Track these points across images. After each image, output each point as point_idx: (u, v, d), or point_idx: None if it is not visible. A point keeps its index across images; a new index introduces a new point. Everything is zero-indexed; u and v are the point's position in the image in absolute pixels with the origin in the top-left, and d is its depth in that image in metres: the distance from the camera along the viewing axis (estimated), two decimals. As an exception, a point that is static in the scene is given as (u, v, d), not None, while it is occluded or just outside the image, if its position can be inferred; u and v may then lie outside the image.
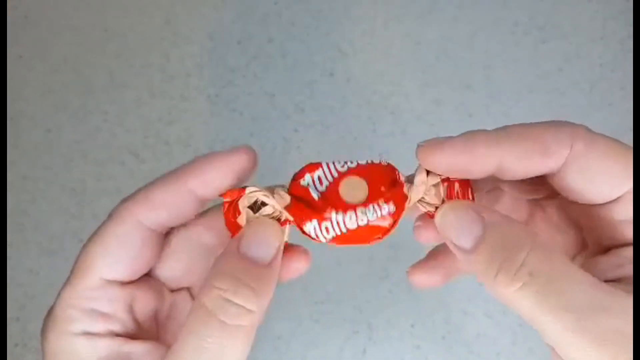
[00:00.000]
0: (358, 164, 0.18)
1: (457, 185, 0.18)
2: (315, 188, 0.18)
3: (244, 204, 0.18)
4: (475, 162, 0.16)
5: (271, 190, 0.19)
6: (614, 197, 0.15)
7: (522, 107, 0.75)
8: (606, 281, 0.15)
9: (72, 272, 0.18)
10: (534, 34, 0.80)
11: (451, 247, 0.16)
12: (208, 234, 0.20)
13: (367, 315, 0.63)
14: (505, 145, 0.15)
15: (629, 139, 0.73)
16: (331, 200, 0.18)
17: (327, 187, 0.18)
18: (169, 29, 0.80)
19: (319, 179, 0.18)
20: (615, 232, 0.15)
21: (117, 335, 0.18)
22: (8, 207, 0.68)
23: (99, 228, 0.18)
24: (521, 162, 0.15)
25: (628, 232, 0.15)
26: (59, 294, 0.18)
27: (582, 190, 0.15)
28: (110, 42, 0.79)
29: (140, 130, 0.73)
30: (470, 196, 0.17)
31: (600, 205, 0.16)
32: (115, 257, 0.17)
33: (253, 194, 0.18)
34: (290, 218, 0.18)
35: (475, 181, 0.18)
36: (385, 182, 0.18)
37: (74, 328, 0.17)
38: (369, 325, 0.64)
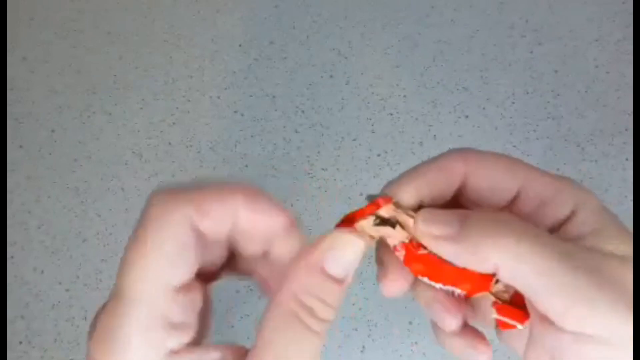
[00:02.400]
0: None
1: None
2: None
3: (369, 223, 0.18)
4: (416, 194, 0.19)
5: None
6: (512, 192, 0.18)
7: (518, 109, 0.76)
8: None
9: (123, 284, 0.16)
10: (530, 36, 0.82)
11: (437, 244, 0.17)
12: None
13: (366, 313, 0.64)
14: (415, 178, 0.18)
15: (625, 139, 0.74)
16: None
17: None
18: (172, 32, 0.82)
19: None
20: (542, 218, 0.18)
21: (194, 341, 0.17)
22: (12, 206, 0.69)
23: (146, 230, 0.16)
24: (431, 186, 0.18)
25: (540, 220, 0.17)
26: (114, 313, 0.16)
27: (485, 195, 0.18)
28: (113, 44, 0.81)
29: (144, 131, 0.74)
30: None
31: (509, 208, 0.18)
32: (177, 262, 0.16)
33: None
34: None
35: None
36: None
37: (155, 353, 0.16)
38: (368, 323, 0.65)
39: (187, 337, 0.16)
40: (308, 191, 0.70)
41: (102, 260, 0.66)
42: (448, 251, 0.17)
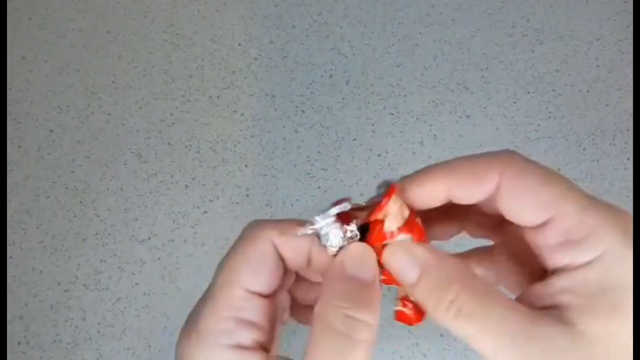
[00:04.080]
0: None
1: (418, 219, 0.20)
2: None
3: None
4: (430, 195, 0.19)
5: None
6: (540, 220, 0.17)
7: (519, 108, 0.76)
8: (542, 308, 0.17)
9: (212, 287, 0.19)
10: (531, 36, 0.81)
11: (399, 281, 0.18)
12: None
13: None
14: (449, 177, 0.18)
15: (626, 138, 0.74)
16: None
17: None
18: (172, 32, 0.82)
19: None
20: (547, 257, 0.17)
21: (262, 346, 0.18)
22: (11, 206, 0.69)
23: (237, 246, 0.19)
24: (462, 189, 0.18)
25: (557, 258, 0.17)
26: (199, 310, 0.18)
27: (513, 213, 0.18)
28: (113, 44, 0.80)
29: (143, 131, 0.74)
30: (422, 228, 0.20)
31: (532, 229, 0.18)
32: (258, 271, 0.19)
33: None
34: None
35: (442, 226, 0.22)
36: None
37: (226, 340, 0.18)
38: (368, 323, 0.64)
39: (256, 335, 0.18)
40: (308, 191, 0.70)
41: (101, 260, 0.66)
42: (407, 290, 0.18)
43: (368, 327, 0.17)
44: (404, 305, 0.19)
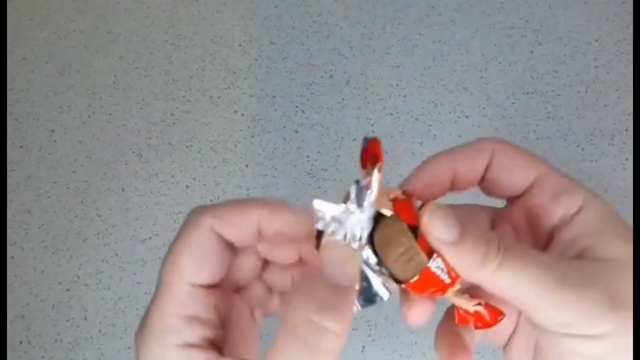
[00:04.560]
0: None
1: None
2: None
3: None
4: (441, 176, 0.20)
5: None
6: (529, 178, 0.20)
7: (518, 109, 0.77)
8: None
9: (160, 282, 0.18)
10: (530, 37, 0.82)
11: (437, 244, 0.17)
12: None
13: (366, 312, 0.65)
14: (449, 155, 0.20)
15: (625, 139, 0.74)
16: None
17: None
18: (172, 32, 0.82)
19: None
20: (545, 216, 0.19)
21: (211, 342, 0.18)
22: (13, 206, 0.69)
23: (178, 237, 0.19)
24: (464, 160, 0.20)
25: (554, 211, 0.19)
26: (149, 308, 0.18)
27: (505, 182, 0.20)
28: (114, 44, 0.81)
29: (144, 131, 0.74)
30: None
31: (525, 196, 0.20)
32: (200, 263, 0.18)
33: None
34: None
35: None
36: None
37: (175, 339, 0.17)
38: (368, 323, 0.65)
39: (205, 332, 0.18)
40: (308, 191, 0.70)
41: (103, 260, 0.66)
42: (446, 253, 0.18)
43: (335, 335, 0.16)
44: (484, 306, 0.19)
